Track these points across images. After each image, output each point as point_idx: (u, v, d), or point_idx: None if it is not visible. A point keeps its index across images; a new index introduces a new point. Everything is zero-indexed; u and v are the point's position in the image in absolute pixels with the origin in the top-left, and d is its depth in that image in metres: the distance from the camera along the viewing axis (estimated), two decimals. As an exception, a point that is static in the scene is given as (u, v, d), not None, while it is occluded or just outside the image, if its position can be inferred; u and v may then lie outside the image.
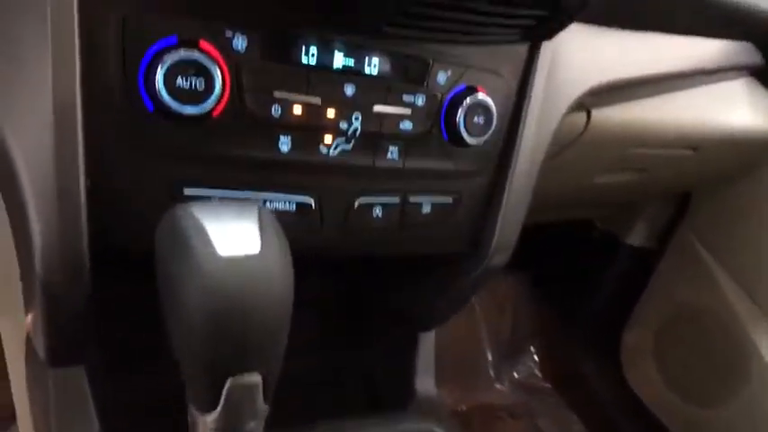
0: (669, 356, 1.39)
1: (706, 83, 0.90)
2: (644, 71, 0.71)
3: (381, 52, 0.47)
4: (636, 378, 1.48)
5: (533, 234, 1.40)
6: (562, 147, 0.73)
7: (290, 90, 0.43)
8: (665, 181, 1.07)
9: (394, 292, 0.73)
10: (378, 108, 0.48)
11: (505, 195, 0.57)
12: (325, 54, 0.45)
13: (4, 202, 0.43)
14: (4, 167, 0.39)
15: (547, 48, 0.56)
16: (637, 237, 1.42)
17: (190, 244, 0.29)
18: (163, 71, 0.38)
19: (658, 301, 1.42)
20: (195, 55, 0.38)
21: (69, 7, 0.36)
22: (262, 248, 0.30)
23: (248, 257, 0.29)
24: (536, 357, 1.67)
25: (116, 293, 0.48)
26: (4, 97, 0.37)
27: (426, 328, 0.71)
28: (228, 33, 0.40)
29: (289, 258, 0.32)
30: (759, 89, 0.99)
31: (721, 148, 0.95)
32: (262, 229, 0.31)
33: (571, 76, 0.61)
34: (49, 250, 0.39)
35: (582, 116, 0.71)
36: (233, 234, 0.30)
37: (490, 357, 1.64)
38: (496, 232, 0.58)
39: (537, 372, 1.65)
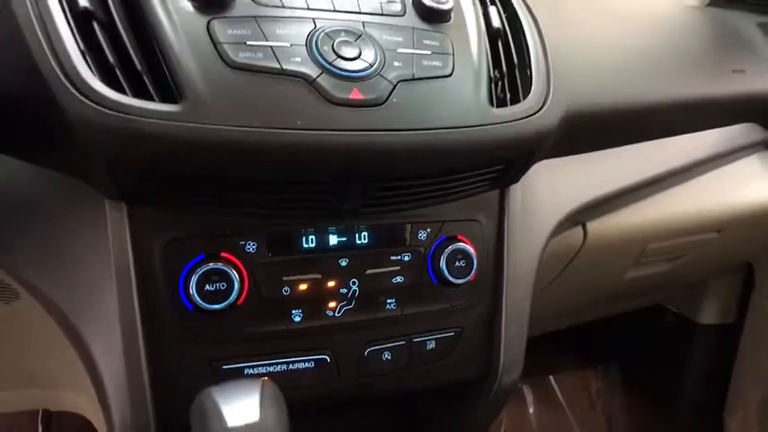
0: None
1: (713, 168, 0.94)
2: (630, 180, 0.78)
3: (367, 226, 0.58)
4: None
5: (609, 327, 1.42)
6: (566, 261, 0.80)
7: (295, 273, 0.56)
8: (703, 263, 1.08)
9: (420, 424, 0.79)
10: (370, 271, 0.58)
11: (503, 320, 0.65)
12: (322, 237, 0.57)
13: (95, 391, 0.56)
14: (91, 368, 0.53)
15: (516, 188, 0.65)
16: (709, 315, 1.39)
17: (207, 420, 0.40)
18: (195, 281, 0.51)
19: (751, 376, 1.36)
20: (219, 265, 0.51)
21: (124, 243, 0.51)
22: (260, 417, 0.40)
23: (249, 426, 0.40)
24: (639, 453, 1.59)
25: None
26: (88, 322, 0.52)
27: None
28: (242, 242, 0.53)
29: (284, 420, 0.42)
30: (775, 160, 1.01)
31: (748, 226, 0.97)
32: (262, 402, 0.42)
33: (546, 205, 0.69)
34: (123, 426, 0.51)
35: (578, 230, 0.78)
36: (240, 408, 0.41)
37: (589, 459, 1.59)
38: (501, 354, 0.65)
39: (643, 470, 1.57)
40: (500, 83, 0.59)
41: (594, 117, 0.67)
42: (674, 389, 1.52)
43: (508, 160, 0.59)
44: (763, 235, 1.05)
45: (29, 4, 0.47)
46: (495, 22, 0.62)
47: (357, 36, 0.51)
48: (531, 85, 0.59)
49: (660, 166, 0.83)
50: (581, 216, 0.75)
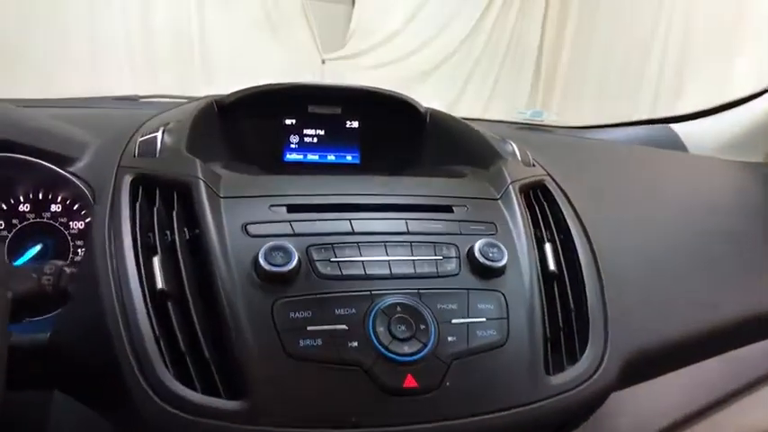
0: None
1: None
2: (709, 398, 0.75)
3: None
4: None
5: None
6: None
7: None
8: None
9: None
10: None
11: None
12: None
13: None
14: None
15: None
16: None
17: None
18: None
19: None
20: None
21: None
22: None
23: None
24: None
25: None
26: None
27: None
28: None
29: None
30: None
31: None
32: None
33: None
34: None
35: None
36: None
37: None
38: None
39: None
40: (555, 338, 0.59)
41: (657, 354, 0.66)
42: None
43: (565, 422, 0.58)
44: None
45: (113, 289, 0.51)
46: (552, 265, 0.62)
47: (412, 310, 0.53)
48: (588, 338, 0.59)
49: (741, 376, 0.79)
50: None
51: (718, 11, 3.28)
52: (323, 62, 4.43)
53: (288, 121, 0.87)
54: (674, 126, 1.36)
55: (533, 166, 0.77)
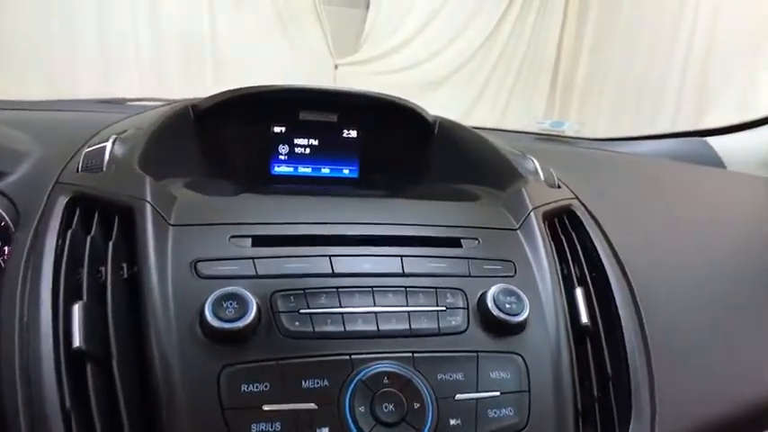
0: None
1: None
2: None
3: None
4: None
5: None
6: None
7: None
8: None
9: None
10: None
11: None
12: None
13: None
14: None
15: None
16: None
17: None
18: None
19: None
20: None
21: None
22: None
23: None
24: None
25: None
26: None
27: None
28: None
29: None
30: None
31: None
32: None
33: None
34: None
35: None
36: None
37: None
38: None
39: None
40: (588, 410, 0.46)
41: (714, 430, 0.53)
42: None
43: None
44: None
45: (17, 344, 0.40)
46: (584, 316, 0.50)
47: (404, 383, 0.41)
48: (630, 414, 0.46)
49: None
50: None
51: (743, 15, 3.12)
52: (336, 67, 4.32)
53: (276, 129, 0.76)
54: (710, 140, 1.23)
55: (558, 187, 0.65)
